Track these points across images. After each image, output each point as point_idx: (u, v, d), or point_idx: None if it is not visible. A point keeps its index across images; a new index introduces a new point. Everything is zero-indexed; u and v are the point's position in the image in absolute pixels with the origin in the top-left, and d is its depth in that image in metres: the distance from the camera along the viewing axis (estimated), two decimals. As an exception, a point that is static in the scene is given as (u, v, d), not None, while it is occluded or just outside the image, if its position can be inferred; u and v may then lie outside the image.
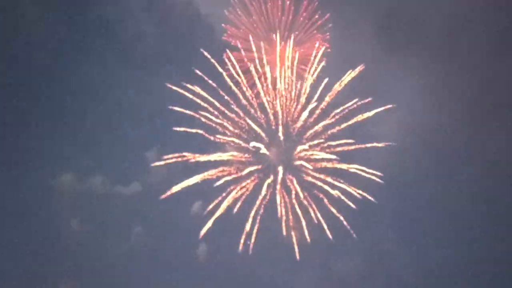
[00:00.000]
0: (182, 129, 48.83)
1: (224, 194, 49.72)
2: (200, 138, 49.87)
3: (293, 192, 50.10)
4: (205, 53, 50.11)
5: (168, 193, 48.21)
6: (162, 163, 48.63)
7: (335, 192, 50.10)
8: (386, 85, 51.77)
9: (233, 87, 50.18)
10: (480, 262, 50.33)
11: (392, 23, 52.69)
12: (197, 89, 49.42)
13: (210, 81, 49.77)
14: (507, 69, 51.34)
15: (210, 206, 49.22)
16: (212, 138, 49.76)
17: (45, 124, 49.39)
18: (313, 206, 50.07)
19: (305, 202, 50.14)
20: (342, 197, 49.93)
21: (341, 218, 49.77)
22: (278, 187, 50.00)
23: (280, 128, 50.76)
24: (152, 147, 51.02)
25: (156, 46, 53.05)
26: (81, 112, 50.27)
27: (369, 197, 50.13)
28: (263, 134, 50.64)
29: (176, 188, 48.41)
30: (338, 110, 50.43)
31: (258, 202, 49.82)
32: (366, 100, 50.55)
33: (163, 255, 49.78)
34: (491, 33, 51.98)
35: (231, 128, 50.35)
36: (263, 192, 49.98)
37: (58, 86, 50.03)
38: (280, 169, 50.50)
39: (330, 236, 49.53)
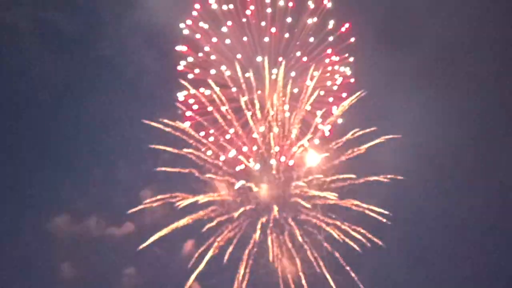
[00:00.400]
0: (166, 169, 46.64)
1: (216, 234, 46.95)
2: (193, 176, 47.76)
3: (286, 232, 45.95)
4: (186, 84, 46.58)
5: (145, 244, 45.46)
6: (140, 208, 46.64)
7: (336, 233, 45.30)
8: (389, 112, 45.83)
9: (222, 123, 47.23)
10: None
11: (396, 43, 46.50)
12: (182, 125, 46.80)
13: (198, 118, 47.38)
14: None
15: (203, 248, 46.62)
16: (202, 177, 47.13)
17: (39, 167, 49.69)
18: (313, 251, 45.32)
19: (304, 245, 45.61)
20: (347, 240, 45.06)
21: (347, 268, 44.70)
22: (270, 228, 46.03)
23: (274, 163, 46.91)
24: (147, 186, 49.40)
25: (150, 83, 51.42)
26: (74, 152, 49.91)
27: (376, 240, 44.85)
28: (255, 171, 47.06)
29: (156, 236, 45.55)
30: (335, 143, 45.81)
31: (250, 245, 46.28)
32: (368, 130, 45.64)
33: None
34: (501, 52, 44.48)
35: (224, 167, 47.33)
36: (257, 233, 46.32)
37: (51, 127, 50.06)
38: (275, 207, 46.71)
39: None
